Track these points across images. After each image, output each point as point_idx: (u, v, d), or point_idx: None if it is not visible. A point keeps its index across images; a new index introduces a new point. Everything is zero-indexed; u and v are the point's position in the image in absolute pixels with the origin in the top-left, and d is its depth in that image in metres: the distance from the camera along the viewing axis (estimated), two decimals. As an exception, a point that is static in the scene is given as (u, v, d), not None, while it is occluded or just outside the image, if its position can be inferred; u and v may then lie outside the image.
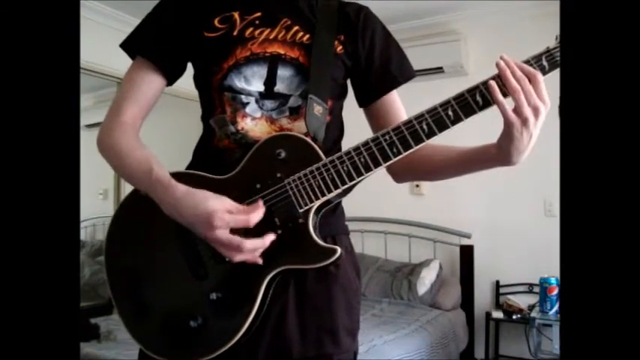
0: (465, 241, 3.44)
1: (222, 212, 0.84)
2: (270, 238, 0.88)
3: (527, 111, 0.83)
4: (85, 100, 3.63)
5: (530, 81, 0.83)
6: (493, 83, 0.85)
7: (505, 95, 0.85)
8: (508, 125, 0.85)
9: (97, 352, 2.32)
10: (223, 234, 0.84)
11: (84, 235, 3.67)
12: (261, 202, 0.89)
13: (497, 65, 0.85)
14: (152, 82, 1.03)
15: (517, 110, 0.84)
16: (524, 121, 0.83)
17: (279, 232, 0.90)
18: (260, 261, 0.88)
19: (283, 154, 0.92)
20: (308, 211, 0.90)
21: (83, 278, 3.45)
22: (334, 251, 0.88)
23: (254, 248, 0.86)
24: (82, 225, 3.59)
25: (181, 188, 0.89)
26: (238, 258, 0.86)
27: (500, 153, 0.89)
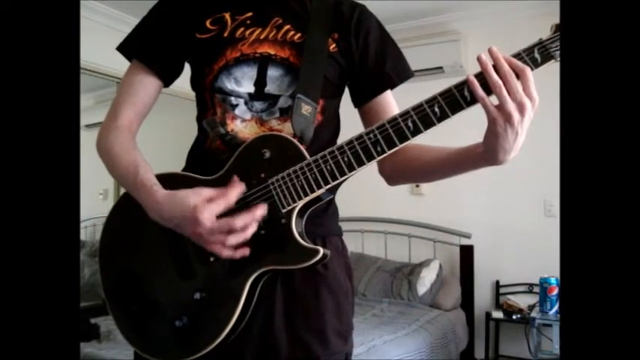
0: (465, 241, 3.44)
1: (202, 204, 0.83)
2: (260, 210, 0.86)
3: (511, 107, 0.79)
4: (85, 100, 3.63)
5: (518, 76, 0.79)
6: (472, 78, 0.81)
7: (490, 92, 0.81)
8: (491, 122, 0.81)
9: (97, 352, 2.31)
10: (210, 225, 0.83)
11: (84, 235, 3.67)
12: (236, 179, 0.89)
13: (479, 59, 0.81)
14: (148, 84, 1.03)
15: (500, 106, 0.80)
16: (508, 118, 0.79)
17: (263, 232, 0.89)
18: (247, 252, 0.87)
19: (268, 154, 0.92)
20: (291, 212, 0.89)
21: (83, 278, 3.45)
22: (317, 252, 0.87)
23: (244, 225, 0.84)
24: (82, 225, 3.59)
25: (162, 192, 0.89)
26: (231, 241, 0.84)
27: (486, 152, 0.85)
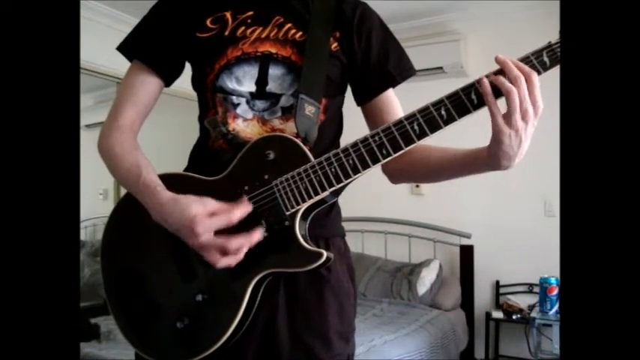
0: (465, 241, 3.44)
1: (202, 217, 0.82)
2: (257, 235, 0.85)
3: (517, 115, 0.79)
4: (85, 100, 3.63)
5: (525, 81, 0.79)
6: (486, 81, 0.80)
7: (498, 96, 0.80)
8: (496, 129, 0.81)
9: (97, 352, 2.32)
10: (206, 239, 0.83)
11: (84, 235, 3.67)
12: (245, 199, 0.88)
13: (497, 59, 0.80)
14: (149, 84, 1.03)
15: (506, 114, 0.79)
16: (512, 125, 0.79)
17: (266, 234, 0.89)
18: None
19: (272, 156, 0.91)
20: (295, 214, 0.89)
21: (83, 278, 3.45)
22: (320, 255, 0.86)
23: (239, 247, 0.84)
24: (82, 225, 3.59)
25: (167, 194, 0.88)
26: (223, 262, 0.84)
27: (490, 157, 0.85)
